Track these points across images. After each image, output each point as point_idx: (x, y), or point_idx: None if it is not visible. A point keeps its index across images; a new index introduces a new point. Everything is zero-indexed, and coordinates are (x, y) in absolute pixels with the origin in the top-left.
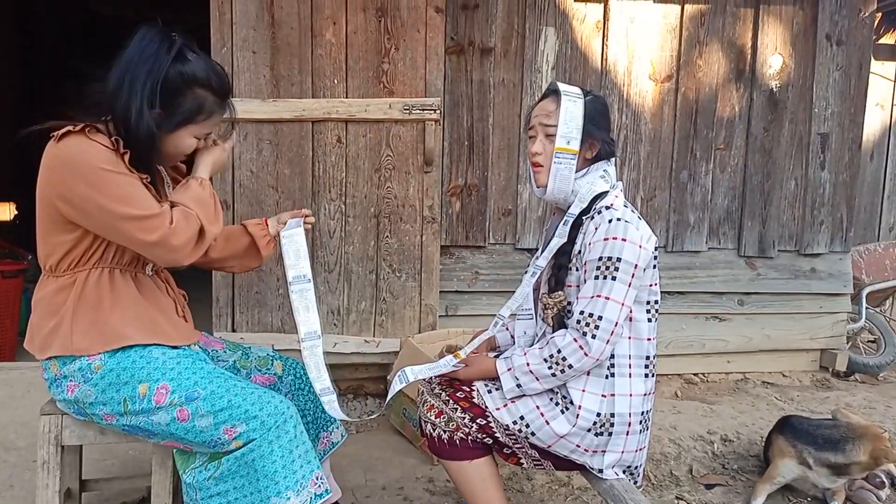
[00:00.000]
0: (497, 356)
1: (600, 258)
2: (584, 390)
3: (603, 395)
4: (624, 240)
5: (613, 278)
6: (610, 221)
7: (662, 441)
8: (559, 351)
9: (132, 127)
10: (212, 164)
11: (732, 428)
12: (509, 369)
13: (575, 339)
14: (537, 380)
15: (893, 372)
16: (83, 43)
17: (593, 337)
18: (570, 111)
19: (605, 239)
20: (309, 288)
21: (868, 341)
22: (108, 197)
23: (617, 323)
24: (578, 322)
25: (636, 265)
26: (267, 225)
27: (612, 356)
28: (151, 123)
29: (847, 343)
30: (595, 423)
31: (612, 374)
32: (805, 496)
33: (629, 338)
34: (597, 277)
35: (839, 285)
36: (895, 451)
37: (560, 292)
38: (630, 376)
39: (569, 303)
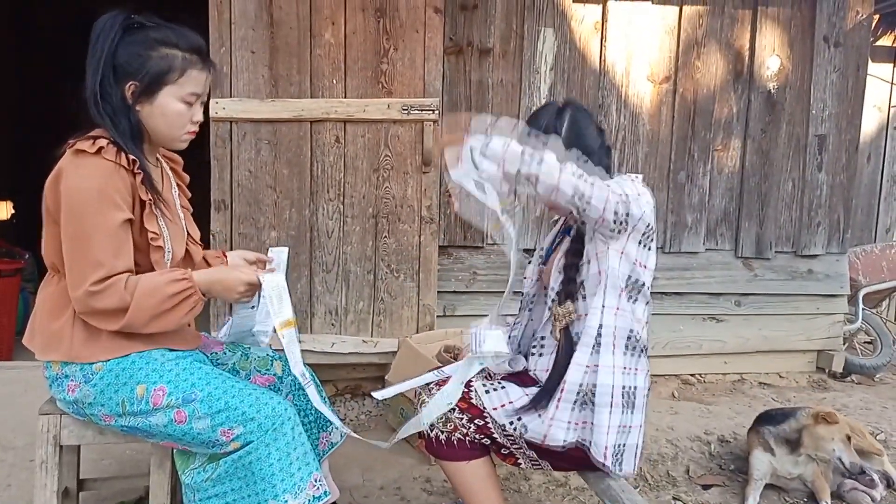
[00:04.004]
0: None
1: None
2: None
3: (587, 367)
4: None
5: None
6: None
7: (660, 441)
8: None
9: (100, 112)
10: (219, 281)
11: (729, 428)
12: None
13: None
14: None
15: (890, 373)
16: (81, 42)
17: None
18: None
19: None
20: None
21: (864, 342)
22: (77, 235)
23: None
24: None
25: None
26: (225, 256)
27: (601, 325)
28: (124, 97)
29: (844, 344)
30: (578, 394)
31: (599, 348)
32: (802, 497)
33: (617, 309)
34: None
35: (836, 286)
36: (837, 417)
37: (570, 303)
38: (614, 347)
39: (578, 316)
